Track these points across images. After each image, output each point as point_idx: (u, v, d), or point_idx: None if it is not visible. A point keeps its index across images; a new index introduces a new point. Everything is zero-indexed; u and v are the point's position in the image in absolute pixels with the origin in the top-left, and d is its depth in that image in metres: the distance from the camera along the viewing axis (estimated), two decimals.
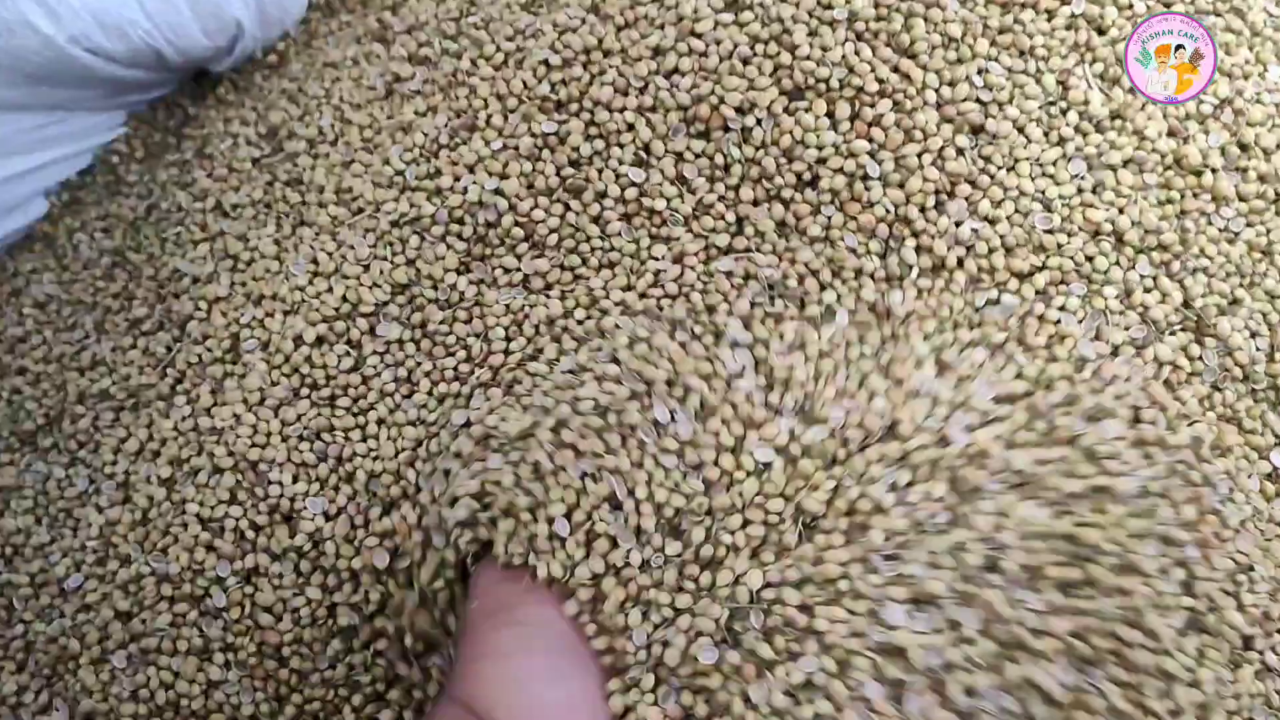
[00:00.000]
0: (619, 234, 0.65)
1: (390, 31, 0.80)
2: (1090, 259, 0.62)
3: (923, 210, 0.61)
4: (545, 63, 0.69)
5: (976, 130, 0.62)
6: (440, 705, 0.47)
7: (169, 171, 0.81)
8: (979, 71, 0.60)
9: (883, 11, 0.61)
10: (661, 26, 0.67)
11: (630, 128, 0.65)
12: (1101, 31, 0.65)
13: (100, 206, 0.83)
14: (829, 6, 0.62)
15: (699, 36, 0.65)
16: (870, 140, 0.62)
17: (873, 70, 0.61)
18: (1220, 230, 0.64)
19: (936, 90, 0.62)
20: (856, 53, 0.61)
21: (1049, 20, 0.65)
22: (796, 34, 0.62)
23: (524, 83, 0.70)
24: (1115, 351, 0.58)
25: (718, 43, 0.64)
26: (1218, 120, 0.64)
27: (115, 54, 0.79)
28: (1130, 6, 0.65)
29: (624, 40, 0.68)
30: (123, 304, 0.75)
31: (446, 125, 0.69)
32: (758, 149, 0.63)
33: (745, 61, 0.63)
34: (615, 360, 0.55)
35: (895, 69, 0.60)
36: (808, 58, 0.61)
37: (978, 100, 0.61)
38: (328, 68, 0.81)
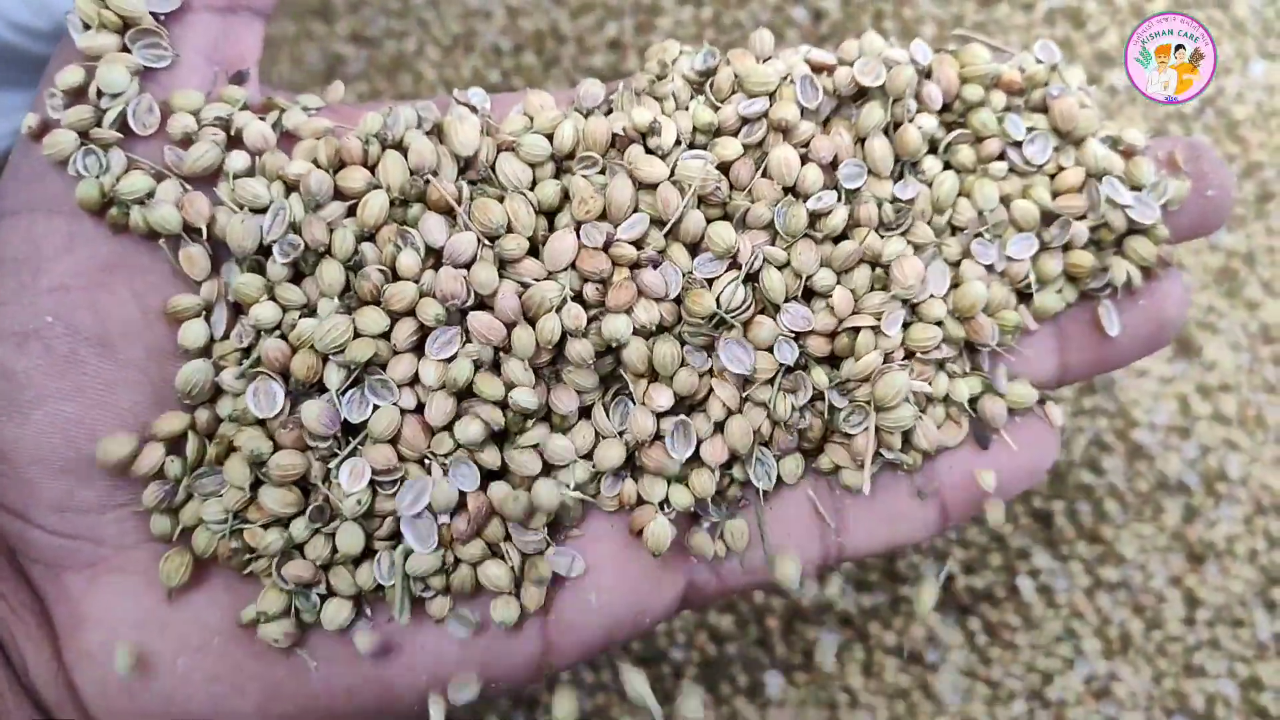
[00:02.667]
0: None
1: (333, 8, 0.76)
2: None
3: None
4: (496, 48, 0.65)
5: None
6: None
7: None
8: None
9: (850, 11, 0.58)
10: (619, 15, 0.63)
11: None
12: (1080, 26, 0.63)
13: None
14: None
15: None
16: None
17: None
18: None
19: None
20: None
21: (1026, 14, 0.62)
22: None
23: (473, 69, 0.66)
24: None
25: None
26: (1200, 120, 0.62)
27: (41, 30, 0.74)
28: (1110, 1, 0.62)
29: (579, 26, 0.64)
30: None
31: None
32: None
33: None
34: None
35: None
36: None
37: None
38: (265, 46, 0.76)
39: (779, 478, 0.37)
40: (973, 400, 0.38)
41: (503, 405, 0.34)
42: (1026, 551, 0.61)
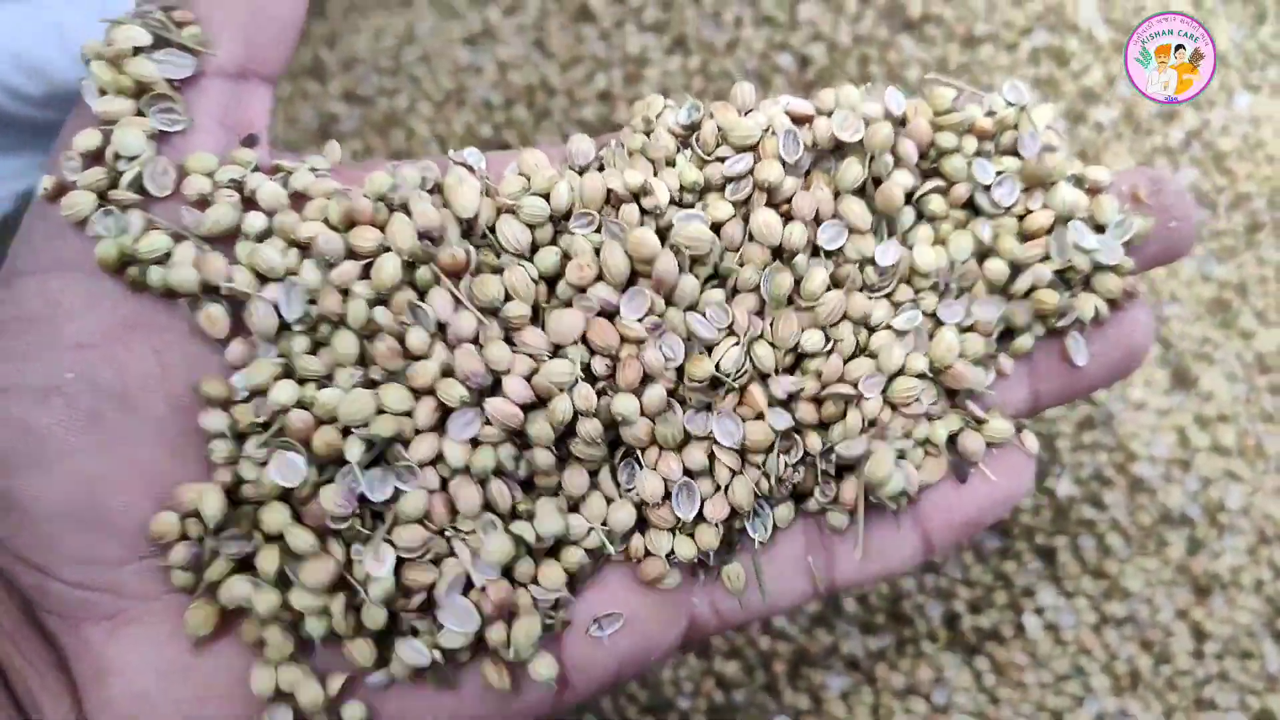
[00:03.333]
0: None
1: (326, 68, 0.77)
2: None
3: None
4: (487, 103, 0.66)
5: None
6: None
7: None
8: None
9: (836, 58, 0.59)
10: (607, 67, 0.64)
11: None
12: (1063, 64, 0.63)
13: None
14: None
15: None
16: None
17: None
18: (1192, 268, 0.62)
19: None
20: None
21: (1009, 54, 0.63)
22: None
23: (465, 124, 0.66)
24: None
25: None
26: (1187, 153, 0.62)
27: (33, 95, 0.75)
28: (1092, 38, 0.63)
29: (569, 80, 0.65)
30: None
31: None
32: None
33: None
34: None
35: None
36: None
37: None
38: None
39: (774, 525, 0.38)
40: (951, 437, 0.38)
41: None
42: (1031, 589, 0.61)
